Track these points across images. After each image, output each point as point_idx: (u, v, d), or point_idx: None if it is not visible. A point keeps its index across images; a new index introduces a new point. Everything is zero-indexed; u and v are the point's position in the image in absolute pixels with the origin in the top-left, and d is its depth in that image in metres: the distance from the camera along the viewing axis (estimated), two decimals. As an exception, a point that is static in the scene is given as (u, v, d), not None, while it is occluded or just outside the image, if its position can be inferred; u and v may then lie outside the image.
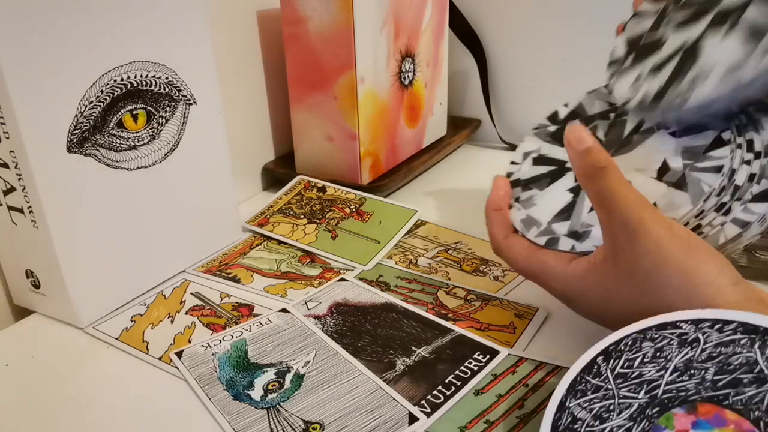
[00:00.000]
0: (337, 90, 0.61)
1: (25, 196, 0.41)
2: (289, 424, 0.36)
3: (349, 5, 0.57)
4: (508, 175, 0.46)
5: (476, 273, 0.51)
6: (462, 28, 0.78)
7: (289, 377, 0.39)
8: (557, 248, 0.39)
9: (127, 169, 0.45)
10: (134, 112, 0.45)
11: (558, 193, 0.42)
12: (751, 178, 0.36)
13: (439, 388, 0.38)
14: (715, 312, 0.29)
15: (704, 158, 0.38)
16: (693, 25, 0.38)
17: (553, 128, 0.46)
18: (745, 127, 0.37)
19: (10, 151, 0.40)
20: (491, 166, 0.75)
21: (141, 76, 0.45)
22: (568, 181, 0.42)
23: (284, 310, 0.46)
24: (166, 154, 0.48)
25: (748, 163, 0.36)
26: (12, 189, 0.41)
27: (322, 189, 0.63)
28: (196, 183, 0.51)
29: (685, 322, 0.29)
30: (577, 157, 0.36)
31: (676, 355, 0.28)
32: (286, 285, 0.50)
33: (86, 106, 0.42)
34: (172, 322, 0.46)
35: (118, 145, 0.44)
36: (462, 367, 0.39)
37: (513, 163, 0.46)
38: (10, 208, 0.42)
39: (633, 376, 0.29)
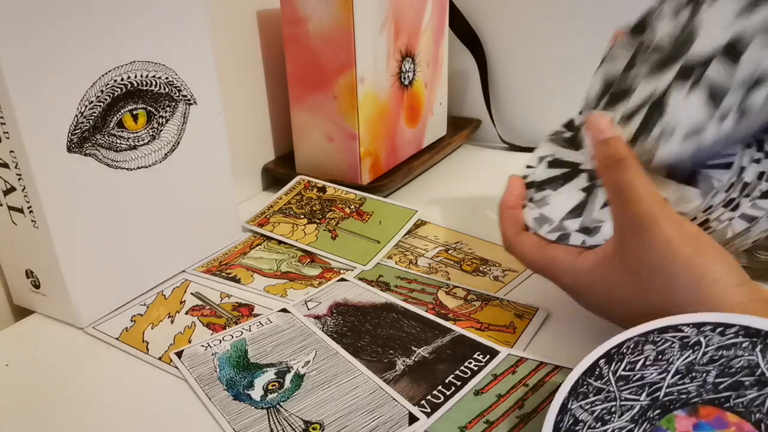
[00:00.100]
0: (337, 90, 0.61)
1: (25, 196, 0.41)
2: (289, 424, 0.36)
3: (349, 5, 0.57)
4: (524, 177, 0.46)
5: (476, 273, 0.51)
6: (462, 28, 0.78)
7: (289, 377, 0.39)
8: (568, 243, 0.40)
9: (127, 169, 0.45)
10: (134, 112, 0.45)
11: (571, 193, 0.42)
12: (761, 175, 0.36)
13: (439, 388, 0.38)
14: (717, 315, 0.29)
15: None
16: (661, 74, 0.39)
17: (568, 134, 0.47)
18: None
19: (10, 151, 0.40)
20: (491, 166, 0.75)
21: (141, 76, 0.45)
22: (581, 181, 0.42)
23: (284, 310, 0.46)
24: (166, 154, 0.48)
25: (758, 161, 0.37)
26: (12, 189, 0.41)
27: (322, 189, 0.63)
28: (196, 183, 0.51)
29: (687, 325, 0.29)
30: (596, 147, 0.37)
31: (678, 358, 0.28)
32: (286, 285, 0.50)
33: (86, 106, 0.42)
34: (172, 322, 0.46)
35: (118, 145, 0.44)
36: (462, 367, 0.39)
37: (528, 166, 0.46)
38: (10, 208, 0.42)
39: (635, 378, 0.29)
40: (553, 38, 0.75)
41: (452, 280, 0.50)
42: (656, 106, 0.38)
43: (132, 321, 0.46)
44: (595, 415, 0.28)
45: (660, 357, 0.29)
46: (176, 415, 0.37)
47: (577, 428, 0.28)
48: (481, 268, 0.52)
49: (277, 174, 0.68)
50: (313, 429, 0.35)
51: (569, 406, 0.29)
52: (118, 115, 0.44)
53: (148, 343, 0.44)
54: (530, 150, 0.50)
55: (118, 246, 0.46)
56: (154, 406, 0.38)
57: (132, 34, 0.43)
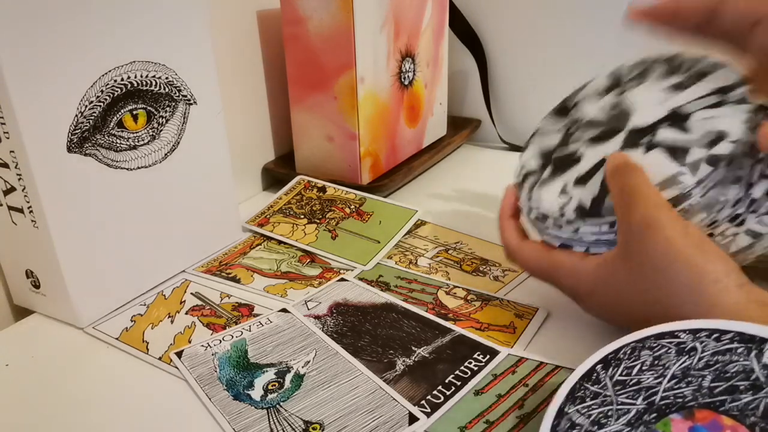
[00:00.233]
0: (337, 90, 0.61)
1: (25, 196, 0.41)
2: (289, 424, 0.36)
3: (349, 5, 0.57)
4: (516, 185, 0.46)
5: (476, 273, 0.51)
6: (462, 28, 0.78)
7: (289, 377, 0.39)
8: (572, 248, 0.40)
9: (127, 169, 0.45)
10: (134, 112, 0.45)
11: (556, 184, 0.42)
12: None
13: (439, 388, 0.38)
14: (713, 322, 0.30)
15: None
16: (607, 142, 0.41)
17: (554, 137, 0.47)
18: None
19: (10, 151, 0.40)
20: (491, 166, 0.75)
21: (141, 76, 0.45)
22: (570, 175, 0.43)
23: (284, 310, 0.46)
24: (166, 154, 0.48)
25: (767, 177, 0.37)
26: (12, 189, 0.41)
27: (322, 189, 0.63)
28: (196, 183, 0.51)
29: (683, 331, 0.30)
30: (610, 158, 0.39)
31: (674, 363, 0.29)
32: (286, 285, 0.50)
33: (86, 106, 0.42)
34: (172, 322, 0.46)
35: (118, 145, 0.44)
36: (462, 367, 0.39)
37: (517, 176, 0.46)
38: (10, 208, 0.42)
39: (631, 383, 0.29)
40: (553, 38, 0.75)
41: (452, 280, 0.50)
42: None
43: (132, 321, 0.46)
44: (591, 419, 0.28)
45: (656, 362, 0.29)
46: (176, 415, 0.37)
47: None
48: (481, 268, 0.52)
49: (277, 174, 0.68)
50: (313, 429, 0.35)
51: (566, 410, 0.29)
52: (118, 115, 0.44)
53: (148, 343, 0.44)
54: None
55: (118, 246, 0.46)
56: (154, 406, 0.38)
57: (132, 34, 0.44)
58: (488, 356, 0.40)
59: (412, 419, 0.35)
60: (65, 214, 0.42)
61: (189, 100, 0.49)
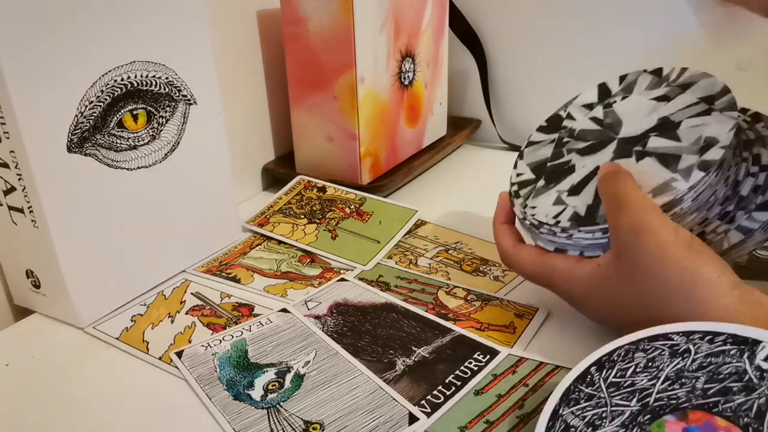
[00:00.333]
0: (337, 90, 0.61)
1: (25, 196, 0.41)
2: (289, 424, 0.36)
3: (349, 5, 0.57)
4: (511, 192, 0.46)
5: (476, 273, 0.51)
6: (462, 28, 0.78)
7: (289, 377, 0.39)
8: (566, 252, 0.41)
9: (127, 169, 0.45)
10: (134, 112, 0.45)
11: (551, 194, 0.43)
12: (756, 189, 0.38)
13: (439, 388, 0.38)
14: (706, 324, 0.30)
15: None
16: (598, 153, 0.42)
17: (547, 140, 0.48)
18: (753, 143, 0.39)
19: (10, 151, 0.40)
20: (491, 166, 0.75)
21: (141, 76, 0.45)
22: (565, 184, 0.43)
23: (284, 310, 0.46)
24: (166, 154, 0.48)
25: (753, 175, 0.38)
26: (12, 189, 0.41)
27: (322, 189, 0.63)
28: (196, 183, 0.51)
29: (677, 333, 0.30)
30: (602, 167, 0.40)
31: (668, 365, 0.29)
32: (286, 285, 0.50)
33: (86, 106, 0.42)
34: (172, 322, 0.46)
35: (118, 145, 0.44)
36: (462, 367, 0.39)
37: (513, 184, 0.47)
38: (10, 208, 0.42)
39: (625, 384, 0.30)
40: (553, 38, 0.75)
41: (452, 280, 0.50)
42: None
43: (132, 321, 0.46)
44: (586, 420, 0.29)
45: (650, 364, 0.30)
46: (176, 415, 0.37)
47: None
48: (481, 268, 0.52)
49: (277, 174, 0.68)
50: (313, 429, 0.35)
51: (560, 412, 0.29)
52: (118, 115, 0.44)
53: (148, 343, 0.44)
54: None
55: (119, 246, 0.46)
56: (154, 406, 0.38)
57: (132, 35, 0.44)
58: (488, 356, 0.40)
59: (412, 419, 0.35)
60: (65, 214, 0.42)
61: (189, 100, 0.49)
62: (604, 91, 0.46)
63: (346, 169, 0.64)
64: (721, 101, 0.39)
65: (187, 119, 0.49)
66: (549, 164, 0.44)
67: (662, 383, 0.29)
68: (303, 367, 0.40)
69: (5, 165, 0.41)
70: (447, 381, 0.38)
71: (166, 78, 0.47)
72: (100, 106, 0.43)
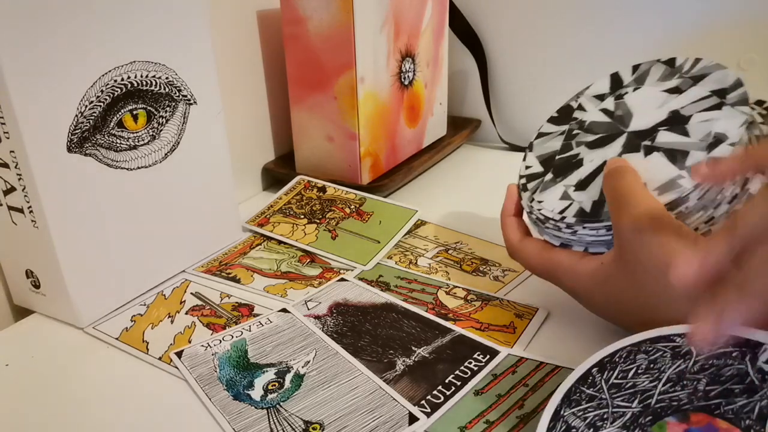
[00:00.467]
0: (337, 90, 0.61)
1: (25, 196, 0.41)
2: (289, 424, 0.36)
3: (349, 5, 0.57)
4: (519, 185, 0.46)
5: (476, 273, 0.51)
6: (462, 28, 0.78)
7: (289, 377, 0.39)
8: (571, 248, 0.40)
9: (127, 169, 0.45)
10: (134, 112, 0.45)
11: (558, 188, 0.43)
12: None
13: (439, 388, 0.38)
14: None
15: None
16: (607, 147, 0.42)
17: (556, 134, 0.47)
18: (761, 139, 0.39)
19: (10, 151, 0.40)
20: (491, 166, 0.75)
21: (141, 76, 0.45)
22: (572, 178, 0.43)
23: (284, 310, 0.46)
24: (166, 154, 0.48)
25: (763, 172, 0.37)
26: (12, 189, 0.41)
27: (322, 189, 0.63)
28: (196, 183, 0.51)
29: (679, 336, 0.30)
30: (608, 162, 0.39)
31: (669, 367, 0.29)
32: (286, 285, 0.50)
33: (86, 106, 0.42)
34: (172, 322, 0.46)
35: (118, 145, 0.44)
36: (462, 367, 0.39)
37: (521, 176, 0.47)
38: (10, 208, 0.42)
39: (627, 386, 0.30)
40: (553, 38, 0.75)
41: (452, 280, 0.50)
42: None
43: (132, 321, 0.46)
44: (587, 421, 0.29)
45: (652, 366, 0.30)
46: (176, 415, 0.37)
47: None
48: (481, 268, 0.52)
49: (277, 174, 0.68)
50: (313, 429, 0.35)
51: (562, 412, 0.29)
52: (118, 115, 0.44)
53: (148, 343, 0.44)
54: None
55: (118, 246, 0.46)
56: (154, 406, 0.38)
57: (132, 34, 0.43)
58: (488, 356, 0.40)
59: (412, 419, 0.35)
60: (65, 214, 0.42)
61: (189, 100, 0.49)
62: (616, 81, 0.46)
63: (346, 169, 0.64)
64: (732, 95, 0.39)
65: (187, 119, 0.49)
66: (557, 157, 0.44)
67: (664, 385, 0.29)
68: (303, 367, 0.40)
69: (5, 165, 0.41)
70: (447, 381, 0.38)
71: (166, 78, 0.47)
72: (100, 106, 0.42)
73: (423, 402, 0.37)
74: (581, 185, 0.41)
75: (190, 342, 0.43)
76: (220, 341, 0.43)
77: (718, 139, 0.37)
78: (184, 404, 0.38)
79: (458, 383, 0.38)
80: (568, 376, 0.31)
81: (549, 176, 0.43)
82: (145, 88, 0.45)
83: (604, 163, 0.40)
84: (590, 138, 0.43)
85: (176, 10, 0.46)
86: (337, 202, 0.61)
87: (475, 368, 0.39)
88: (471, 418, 0.35)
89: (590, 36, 0.72)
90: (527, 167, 0.46)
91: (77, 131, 0.42)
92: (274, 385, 0.39)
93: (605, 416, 0.29)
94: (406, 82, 0.68)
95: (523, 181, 0.45)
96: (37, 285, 0.45)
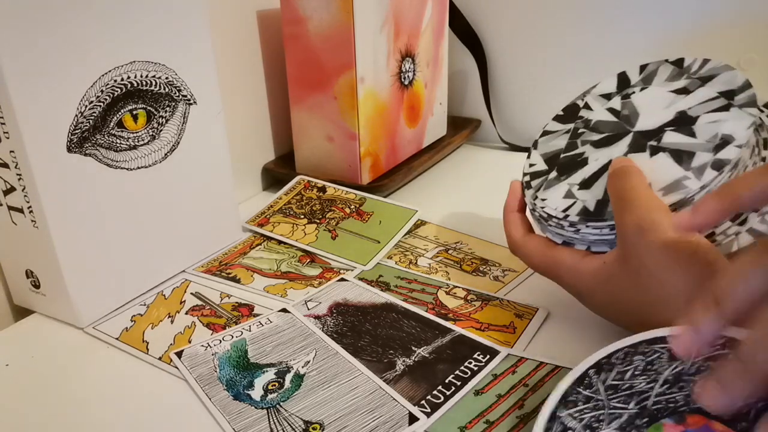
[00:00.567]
0: (337, 90, 0.61)
1: (25, 196, 0.41)
2: (289, 424, 0.36)
3: (349, 5, 0.57)
4: (523, 182, 0.46)
5: (476, 273, 0.51)
6: (462, 28, 0.78)
7: (289, 377, 0.39)
8: (574, 246, 0.40)
9: (127, 169, 0.45)
10: (134, 112, 0.45)
11: (562, 186, 0.43)
12: None
13: (439, 388, 0.38)
14: None
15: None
16: (612, 146, 0.42)
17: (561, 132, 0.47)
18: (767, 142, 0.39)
19: (10, 151, 0.40)
20: (491, 166, 0.75)
21: (141, 76, 0.45)
22: (576, 177, 0.43)
23: (284, 310, 0.46)
24: (166, 154, 0.48)
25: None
26: (12, 189, 0.41)
27: (322, 189, 0.63)
28: (196, 183, 0.51)
29: None
30: (613, 162, 0.39)
31: (666, 369, 0.29)
32: (286, 285, 0.50)
33: (86, 106, 0.42)
34: (172, 322, 0.46)
35: (118, 145, 0.44)
36: (462, 367, 0.39)
37: (525, 174, 0.46)
38: (10, 208, 0.42)
39: (624, 387, 0.29)
40: (553, 38, 0.75)
41: (452, 280, 0.50)
42: None
43: (132, 321, 0.46)
44: (584, 422, 0.29)
45: (649, 367, 0.30)
46: (176, 415, 0.37)
47: None
48: (481, 268, 0.52)
49: (277, 174, 0.68)
50: (313, 429, 0.35)
51: (558, 414, 0.29)
52: (118, 115, 0.44)
53: (148, 343, 0.44)
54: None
55: (118, 246, 0.46)
56: (154, 406, 0.38)
57: (132, 34, 0.43)
58: (488, 356, 0.40)
59: (412, 419, 0.35)
60: (65, 214, 0.42)
61: (189, 100, 0.49)
62: (623, 80, 0.45)
63: (346, 169, 0.64)
64: (740, 97, 0.38)
65: (187, 119, 0.49)
66: (562, 156, 0.44)
67: (661, 386, 0.29)
68: (303, 367, 0.40)
69: (5, 165, 0.41)
70: (447, 381, 0.38)
71: (166, 78, 0.47)
72: (100, 106, 0.42)
73: (423, 402, 0.37)
74: (585, 184, 0.41)
75: (190, 342, 0.43)
76: (220, 341, 0.43)
77: (725, 141, 0.37)
78: (184, 404, 0.38)
79: (458, 383, 0.38)
80: (565, 377, 0.31)
81: (553, 174, 0.43)
82: (145, 88, 0.45)
83: (609, 162, 0.40)
84: (596, 137, 0.43)
85: (176, 10, 0.46)
86: (337, 202, 0.61)
87: (475, 368, 0.39)
88: (471, 418, 0.35)
89: (590, 36, 0.72)
90: (531, 165, 0.46)
91: (77, 131, 0.42)
92: (274, 385, 0.39)
93: (602, 418, 0.29)
94: (406, 82, 0.68)
95: (527, 178, 0.45)
96: (37, 285, 0.45)
